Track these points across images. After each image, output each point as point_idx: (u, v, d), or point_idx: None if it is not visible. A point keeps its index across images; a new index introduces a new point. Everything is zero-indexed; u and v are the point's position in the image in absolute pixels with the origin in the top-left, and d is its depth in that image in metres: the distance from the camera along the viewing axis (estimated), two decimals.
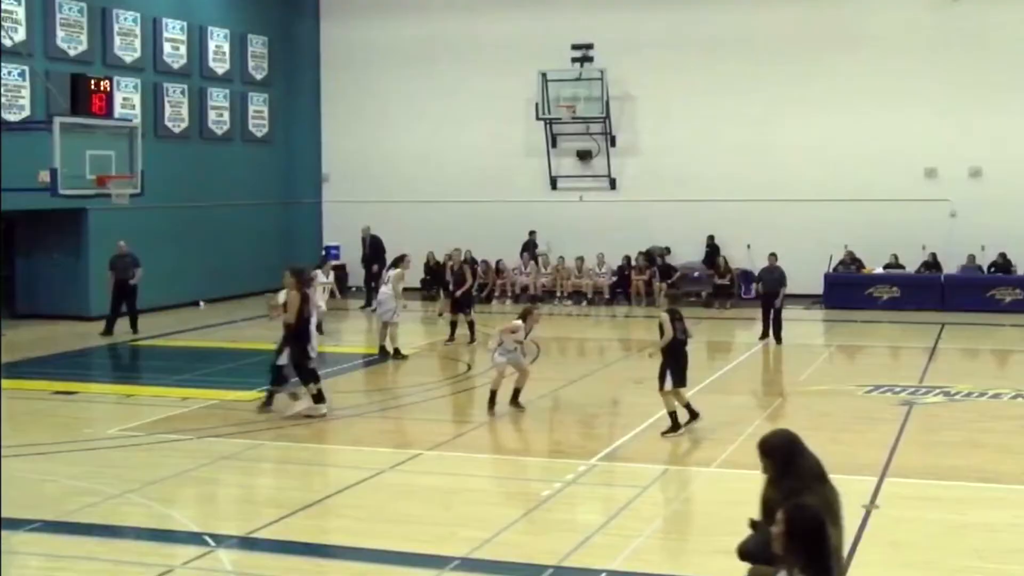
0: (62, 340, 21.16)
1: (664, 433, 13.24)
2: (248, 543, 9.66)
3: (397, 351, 19.29)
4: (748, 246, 27.57)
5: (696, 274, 27.64)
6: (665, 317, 13.62)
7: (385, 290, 19.62)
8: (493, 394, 14.62)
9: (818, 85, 27.18)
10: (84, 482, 11.49)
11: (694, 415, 13.55)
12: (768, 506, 5.36)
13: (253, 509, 10.90)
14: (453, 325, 20.99)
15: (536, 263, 28.53)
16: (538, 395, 16.15)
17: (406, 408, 15.57)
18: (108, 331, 22.11)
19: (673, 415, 13.29)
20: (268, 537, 9.83)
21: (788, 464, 5.60)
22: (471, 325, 20.90)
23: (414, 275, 28.92)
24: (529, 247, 28.75)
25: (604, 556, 9.10)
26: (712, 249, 27.75)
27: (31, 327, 23.26)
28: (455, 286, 21.24)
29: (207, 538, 9.70)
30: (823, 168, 27.17)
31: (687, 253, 28.05)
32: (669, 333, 13.47)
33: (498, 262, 28.65)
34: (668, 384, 13.37)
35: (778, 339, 20.75)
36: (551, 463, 12.53)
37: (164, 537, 9.99)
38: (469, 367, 18.69)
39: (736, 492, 11.14)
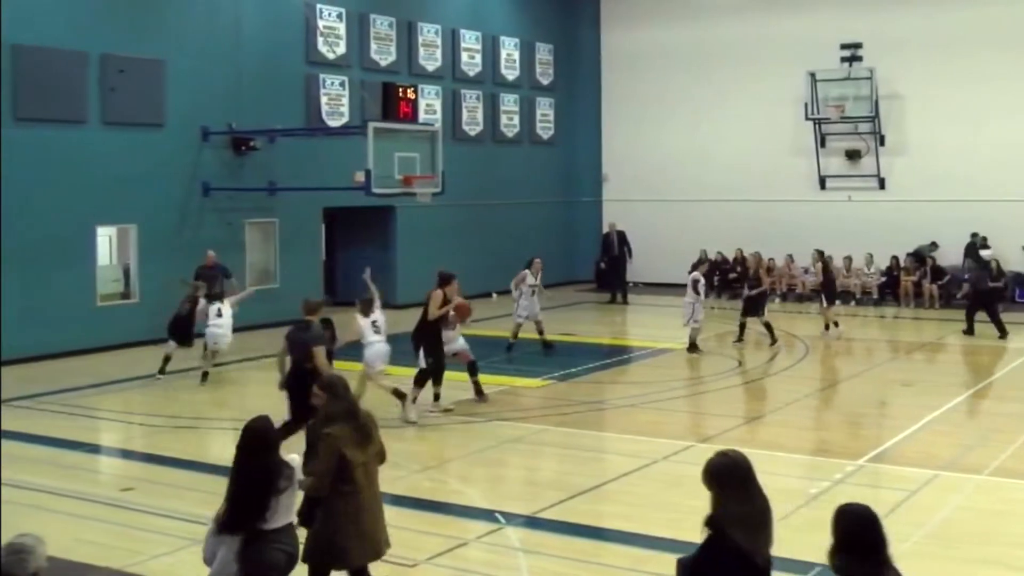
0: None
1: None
2: (533, 522, 9.90)
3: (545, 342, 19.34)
4: (1023, 247, 25.87)
5: (966, 276, 26.14)
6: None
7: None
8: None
9: None
10: (392, 457, 12.06)
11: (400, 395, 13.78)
12: (310, 435, 7.02)
13: (537, 491, 11.15)
14: (742, 327, 20.16)
15: (981, 265, 25.33)
16: (804, 394, 15.82)
17: (680, 401, 15.54)
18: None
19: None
20: (551, 518, 10.06)
21: (339, 399, 6.82)
22: (768, 327, 19.89)
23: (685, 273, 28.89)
24: (971, 250, 25.91)
25: None
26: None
27: (347, 313, 24.47)
28: (749, 287, 20.43)
29: (498, 515, 10.05)
30: None
31: (958, 255, 26.55)
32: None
33: (770, 260, 28.02)
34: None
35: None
36: (819, 462, 12.22)
37: (459, 512, 10.43)
38: (740, 363, 18.46)
39: (1008, 502, 10.59)
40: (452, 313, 14.20)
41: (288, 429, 11.48)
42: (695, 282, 19.20)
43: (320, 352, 11.47)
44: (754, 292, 20.04)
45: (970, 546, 9.21)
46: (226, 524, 6.26)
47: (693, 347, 19.11)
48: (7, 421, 12.68)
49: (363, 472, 6.64)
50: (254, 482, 6.30)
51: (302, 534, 6.90)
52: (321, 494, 6.61)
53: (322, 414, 6.88)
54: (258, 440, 6.44)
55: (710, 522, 4.90)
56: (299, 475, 6.60)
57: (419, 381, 14.20)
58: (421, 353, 14.20)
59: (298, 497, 6.79)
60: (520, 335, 19.34)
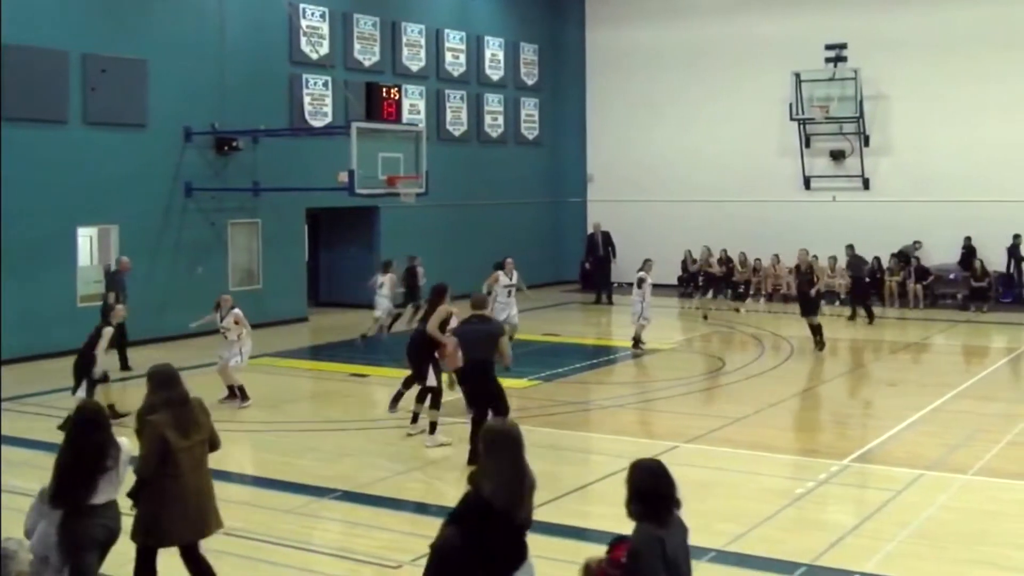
0: (356, 327, 22.06)
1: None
2: None
3: None
4: (1007, 248, 25.98)
5: (952, 276, 26.28)
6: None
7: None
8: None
9: None
10: (375, 458, 12.09)
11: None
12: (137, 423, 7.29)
13: None
14: (813, 328, 19.27)
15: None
16: (791, 393, 15.86)
17: (665, 401, 15.54)
18: (125, 365, 17.59)
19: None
20: (536, 519, 9.93)
21: (160, 388, 7.22)
22: (818, 330, 19.23)
23: (670, 273, 28.89)
24: (1015, 251, 25.78)
25: (857, 558, 8.82)
26: (968, 251, 26.23)
27: (330, 314, 24.56)
28: (802, 287, 19.52)
29: None
30: None
31: (942, 255, 26.69)
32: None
33: (756, 260, 28.08)
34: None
35: None
36: (805, 461, 12.24)
37: (444, 513, 10.33)
38: (723, 362, 18.49)
39: (994, 501, 10.61)
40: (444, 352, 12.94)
41: (476, 423, 11.46)
42: (640, 280, 19.47)
43: (505, 341, 11.66)
44: (813, 291, 19.31)
45: (956, 545, 9.22)
46: (53, 497, 6.69)
47: (637, 343, 19.48)
48: None
49: (187, 456, 7.12)
50: (84, 459, 6.74)
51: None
52: (146, 475, 7.08)
53: (145, 403, 7.33)
54: (92, 420, 6.91)
55: (471, 478, 5.56)
56: (127, 457, 7.06)
57: (426, 398, 13.16)
58: (431, 371, 12.97)
59: (131, 478, 7.23)
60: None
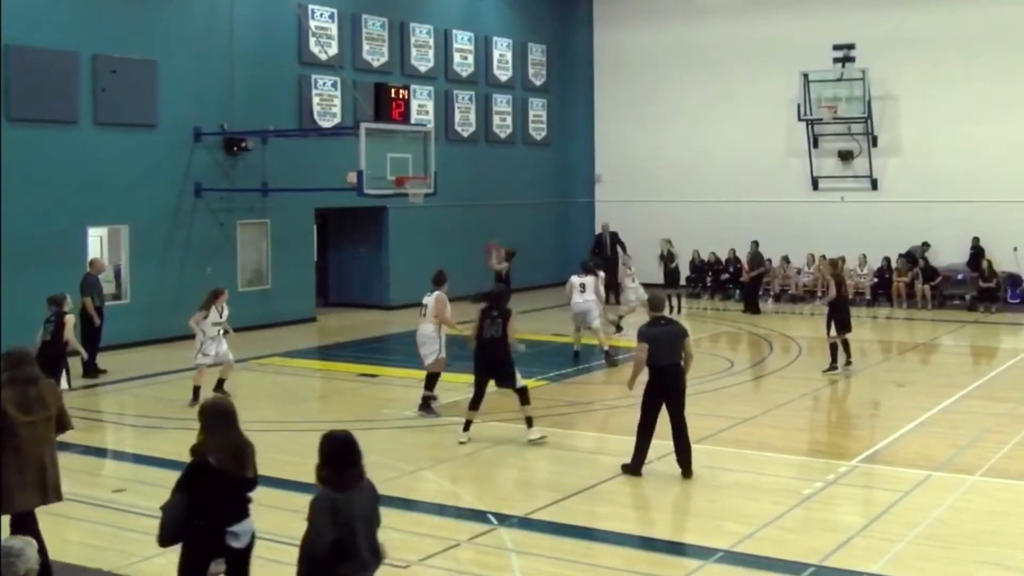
0: (365, 327, 22.14)
1: None
2: (526, 523, 9.88)
3: None
4: (1015, 249, 25.92)
5: (960, 276, 26.21)
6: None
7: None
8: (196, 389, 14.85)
9: None
10: (384, 457, 12.03)
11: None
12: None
13: (531, 491, 11.12)
14: (834, 347, 17.33)
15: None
16: (799, 394, 15.83)
17: None
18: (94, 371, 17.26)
19: None
20: (544, 519, 10.04)
21: (9, 368, 7.72)
22: (846, 345, 17.44)
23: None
24: None
25: (865, 559, 8.80)
26: (977, 251, 26.18)
27: (339, 314, 24.58)
28: (823, 295, 18.40)
29: (491, 516, 10.02)
30: None
31: (951, 255, 26.62)
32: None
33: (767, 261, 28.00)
34: None
35: None
36: (812, 462, 12.21)
37: (452, 513, 10.41)
38: (731, 362, 18.47)
39: (1002, 502, 10.59)
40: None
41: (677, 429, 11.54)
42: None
43: (691, 341, 11.71)
44: (825, 302, 17.71)
45: (964, 547, 9.19)
46: None
47: (618, 328, 20.75)
48: None
49: (28, 431, 7.66)
50: None
51: None
52: None
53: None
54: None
55: (194, 449, 6.45)
56: None
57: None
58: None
59: None
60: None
